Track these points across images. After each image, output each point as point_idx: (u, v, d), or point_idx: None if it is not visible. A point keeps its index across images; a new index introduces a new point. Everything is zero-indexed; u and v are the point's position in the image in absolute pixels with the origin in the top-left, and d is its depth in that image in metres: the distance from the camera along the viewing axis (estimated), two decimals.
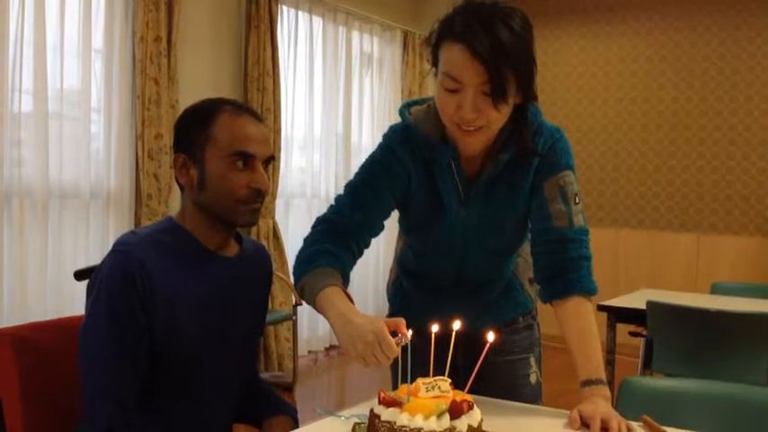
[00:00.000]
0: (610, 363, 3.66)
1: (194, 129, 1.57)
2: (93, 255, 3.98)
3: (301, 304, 4.90)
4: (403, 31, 6.48)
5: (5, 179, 3.62)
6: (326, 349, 5.91)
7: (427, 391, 1.38)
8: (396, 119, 1.74)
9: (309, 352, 5.71)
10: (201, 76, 4.69)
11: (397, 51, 6.52)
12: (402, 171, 1.68)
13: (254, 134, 1.57)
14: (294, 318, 4.89)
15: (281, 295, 5.10)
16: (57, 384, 1.60)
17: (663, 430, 1.50)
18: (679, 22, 6.12)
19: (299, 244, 1.65)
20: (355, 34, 6.14)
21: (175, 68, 4.35)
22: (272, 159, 1.62)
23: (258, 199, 1.57)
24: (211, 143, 1.54)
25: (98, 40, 4.10)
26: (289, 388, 4.80)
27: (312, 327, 5.73)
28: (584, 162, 6.47)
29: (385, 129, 1.77)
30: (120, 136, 4.19)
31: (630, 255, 6.19)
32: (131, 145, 4.23)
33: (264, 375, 4.88)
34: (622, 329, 3.61)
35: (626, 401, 1.78)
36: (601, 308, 3.60)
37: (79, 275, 1.92)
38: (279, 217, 5.21)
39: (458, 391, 1.41)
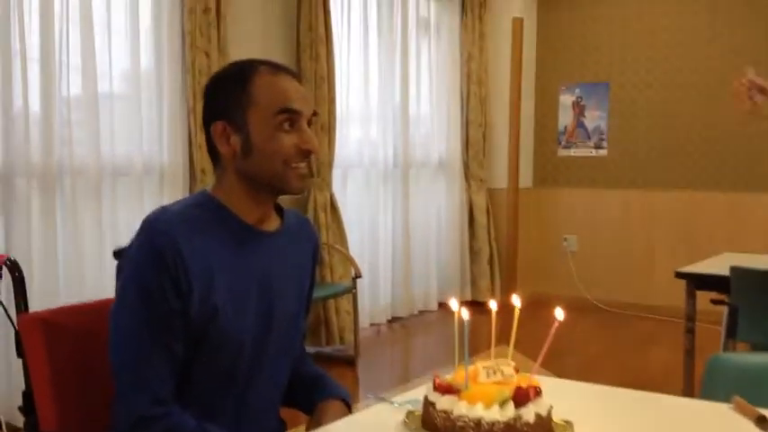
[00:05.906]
0: (690, 331, 3.45)
1: (231, 93, 1.46)
2: None
3: (361, 276, 4.80)
4: None
5: (57, 158, 3.58)
6: (389, 321, 5.79)
7: (488, 376, 1.24)
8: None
9: (371, 324, 5.60)
10: (252, 46, 4.57)
11: (455, 15, 6.27)
12: None
13: (295, 91, 1.47)
14: (354, 290, 4.80)
15: (341, 268, 4.99)
16: (89, 370, 1.52)
17: (759, 413, 1.34)
18: None
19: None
20: None
21: (225, 39, 4.25)
22: (314, 116, 1.51)
23: (306, 160, 1.46)
24: (253, 106, 1.44)
25: (146, 14, 4.01)
26: (351, 361, 4.72)
27: (373, 298, 5.60)
28: (657, 122, 6.15)
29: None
30: (171, 110, 4.11)
31: (708, 218, 5.85)
32: (183, 119, 4.15)
33: (326, 349, 4.81)
34: (702, 297, 3.37)
35: (714, 380, 1.61)
36: (678, 275, 3.37)
37: (118, 255, 1.82)
38: (336, 188, 5.08)
39: (524, 375, 1.26)
